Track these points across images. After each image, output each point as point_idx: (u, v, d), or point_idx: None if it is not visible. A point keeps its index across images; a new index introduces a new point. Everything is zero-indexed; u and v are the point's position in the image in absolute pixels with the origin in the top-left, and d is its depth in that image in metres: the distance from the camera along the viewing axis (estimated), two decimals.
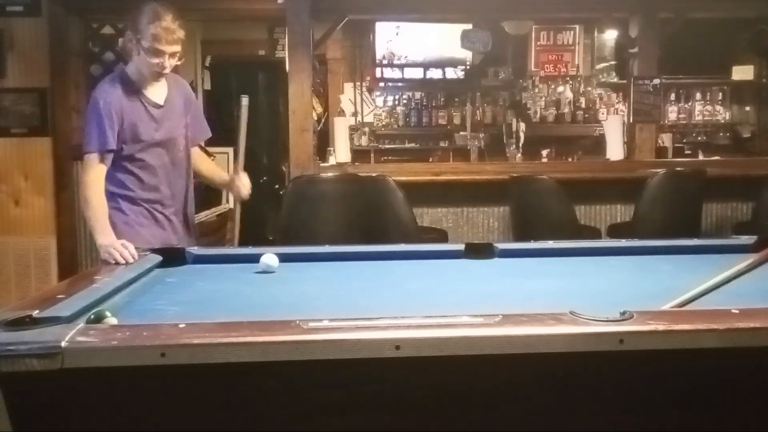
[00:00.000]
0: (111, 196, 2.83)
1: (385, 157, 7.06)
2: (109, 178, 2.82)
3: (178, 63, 2.86)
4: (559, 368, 1.41)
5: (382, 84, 7.48)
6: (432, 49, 7.33)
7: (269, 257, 2.40)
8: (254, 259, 2.49)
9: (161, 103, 2.93)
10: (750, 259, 2.30)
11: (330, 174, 4.69)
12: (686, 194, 4.57)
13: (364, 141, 7.16)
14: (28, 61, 4.90)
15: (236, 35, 7.22)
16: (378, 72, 7.38)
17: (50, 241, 5.02)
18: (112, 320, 1.57)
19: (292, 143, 4.99)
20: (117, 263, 2.39)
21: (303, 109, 4.99)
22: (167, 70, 2.83)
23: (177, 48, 2.78)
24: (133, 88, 2.85)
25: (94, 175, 2.75)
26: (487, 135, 7.10)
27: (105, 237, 2.61)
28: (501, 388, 1.42)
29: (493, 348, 1.38)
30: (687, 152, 6.75)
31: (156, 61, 2.75)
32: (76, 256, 5.14)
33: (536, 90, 7.36)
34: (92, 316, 1.56)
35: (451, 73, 7.51)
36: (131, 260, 2.39)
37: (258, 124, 7.95)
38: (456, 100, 7.44)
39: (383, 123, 7.39)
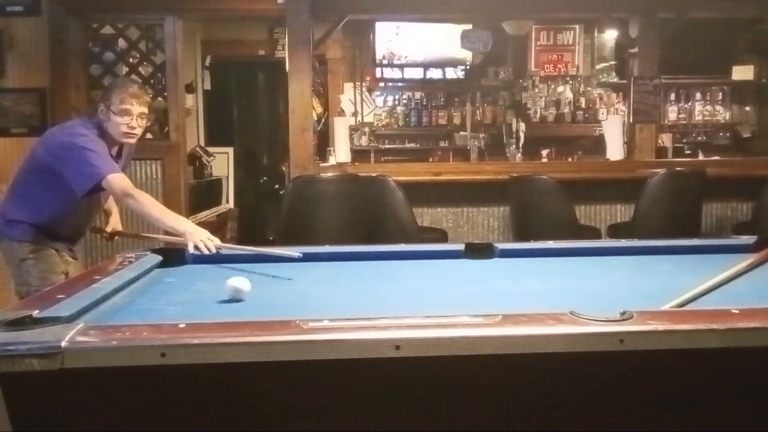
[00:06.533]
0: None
1: (385, 157, 7.06)
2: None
3: (149, 125, 3.05)
4: (559, 368, 1.41)
5: (382, 84, 7.48)
6: (432, 49, 7.33)
7: (238, 281, 1.97)
8: (254, 259, 2.50)
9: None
10: (750, 259, 2.30)
11: (330, 174, 4.69)
12: (686, 194, 4.57)
13: (364, 141, 7.16)
14: (28, 61, 4.90)
15: (236, 35, 7.23)
16: (378, 72, 7.38)
17: None
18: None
19: (292, 143, 4.99)
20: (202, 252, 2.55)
21: (303, 109, 4.99)
22: (137, 130, 3.02)
23: (144, 109, 3.03)
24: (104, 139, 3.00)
25: (124, 183, 2.86)
26: (487, 135, 7.11)
27: (182, 224, 2.73)
28: (501, 388, 1.42)
29: (493, 348, 1.38)
30: (687, 152, 6.74)
31: (125, 120, 2.95)
32: None
33: (536, 90, 7.36)
34: None
35: (451, 73, 7.51)
36: (214, 252, 2.54)
37: (258, 124, 7.97)
38: (456, 100, 7.44)
39: (383, 123, 7.40)
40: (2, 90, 4.89)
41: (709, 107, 7.40)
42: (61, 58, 4.93)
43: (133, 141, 3.07)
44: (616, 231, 4.77)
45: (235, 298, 1.94)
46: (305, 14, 4.94)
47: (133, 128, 2.99)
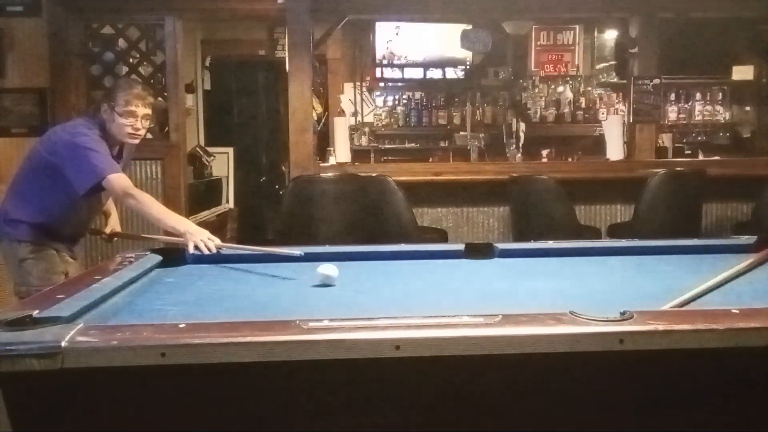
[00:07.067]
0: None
1: (385, 157, 7.06)
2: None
3: (151, 126, 3.11)
4: (559, 368, 1.41)
5: (382, 84, 7.47)
6: (432, 49, 7.32)
7: (328, 268, 2.18)
8: (255, 258, 2.50)
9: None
10: (750, 259, 2.30)
11: (330, 174, 4.69)
12: (686, 194, 4.57)
13: (364, 141, 7.16)
14: (28, 61, 4.89)
15: (236, 35, 7.22)
16: (378, 72, 7.37)
17: None
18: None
19: (292, 143, 4.99)
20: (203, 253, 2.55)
21: (303, 109, 4.99)
22: (141, 132, 3.03)
23: (148, 111, 3.05)
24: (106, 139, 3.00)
25: (125, 183, 2.86)
26: (487, 135, 7.09)
27: (182, 224, 2.73)
28: (501, 388, 1.42)
29: (493, 348, 1.38)
30: (687, 152, 6.73)
31: (129, 121, 2.96)
32: None
33: (536, 90, 7.35)
34: None
35: (451, 73, 7.50)
36: (215, 251, 2.56)
37: (258, 124, 7.97)
38: (456, 100, 7.43)
39: (383, 123, 7.39)
40: (2, 90, 4.89)
41: (709, 107, 7.39)
42: (61, 58, 4.93)
43: (136, 141, 3.08)
44: (616, 231, 4.77)
45: (326, 284, 2.13)
46: (305, 14, 4.94)
47: (137, 129, 3.00)
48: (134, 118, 2.97)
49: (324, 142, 6.28)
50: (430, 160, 6.91)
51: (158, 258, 2.45)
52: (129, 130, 2.98)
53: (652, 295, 1.87)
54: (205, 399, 1.38)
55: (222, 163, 7.11)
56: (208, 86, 7.50)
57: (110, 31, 5.18)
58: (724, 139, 7.38)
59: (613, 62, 7.41)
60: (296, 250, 2.51)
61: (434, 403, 1.42)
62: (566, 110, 7.29)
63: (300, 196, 4.24)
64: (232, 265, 2.50)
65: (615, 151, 5.66)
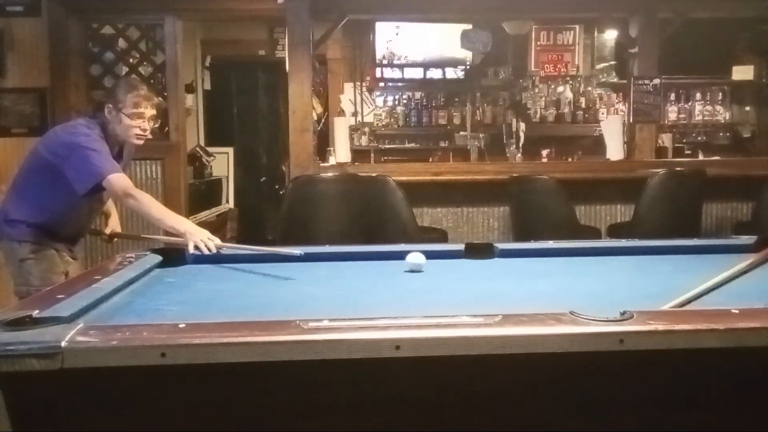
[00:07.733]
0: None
1: (385, 157, 7.06)
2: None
3: (156, 126, 3.17)
4: (559, 368, 1.41)
5: (382, 84, 7.48)
6: (432, 49, 7.33)
7: (416, 257, 2.40)
8: (253, 259, 2.50)
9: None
10: (750, 259, 2.30)
11: (330, 174, 4.69)
12: (686, 194, 4.57)
13: (364, 141, 7.16)
14: (28, 61, 4.90)
15: (236, 35, 7.23)
16: (378, 72, 7.38)
17: None
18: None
19: (292, 143, 4.99)
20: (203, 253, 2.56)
21: (303, 109, 4.99)
22: (148, 132, 3.04)
23: (155, 111, 3.07)
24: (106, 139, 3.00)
25: (125, 183, 2.86)
26: (487, 135, 7.10)
27: (182, 224, 2.74)
28: (501, 388, 1.42)
29: (493, 348, 1.38)
30: (687, 152, 6.73)
31: (137, 123, 2.97)
32: None
33: (536, 90, 7.36)
34: None
35: (451, 73, 7.51)
36: (215, 251, 2.56)
37: (258, 124, 7.97)
38: (456, 100, 7.44)
39: (383, 123, 7.39)
40: (2, 90, 4.90)
41: (709, 107, 7.39)
42: (61, 58, 4.93)
43: (142, 142, 3.08)
44: (616, 231, 4.77)
45: (414, 270, 2.36)
46: (305, 14, 4.94)
47: (145, 130, 3.01)
48: (142, 119, 2.98)
49: (324, 142, 6.28)
50: (430, 160, 6.91)
51: (158, 258, 2.45)
52: (137, 131, 2.98)
53: (652, 295, 1.87)
54: (205, 399, 1.38)
55: (222, 163, 7.11)
56: (208, 86, 7.51)
57: (110, 31, 5.18)
58: (724, 139, 7.39)
59: (613, 62, 7.42)
60: (296, 250, 2.51)
61: (434, 403, 1.41)
62: (566, 110, 7.29)
63: (300, 196, 4.24)
64: (232, 265, 2.49)
65: (615, 151, 5.66)
